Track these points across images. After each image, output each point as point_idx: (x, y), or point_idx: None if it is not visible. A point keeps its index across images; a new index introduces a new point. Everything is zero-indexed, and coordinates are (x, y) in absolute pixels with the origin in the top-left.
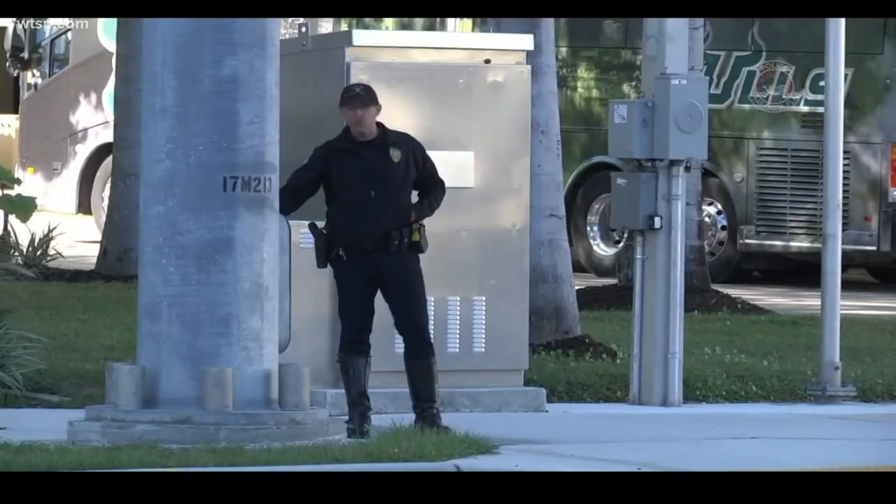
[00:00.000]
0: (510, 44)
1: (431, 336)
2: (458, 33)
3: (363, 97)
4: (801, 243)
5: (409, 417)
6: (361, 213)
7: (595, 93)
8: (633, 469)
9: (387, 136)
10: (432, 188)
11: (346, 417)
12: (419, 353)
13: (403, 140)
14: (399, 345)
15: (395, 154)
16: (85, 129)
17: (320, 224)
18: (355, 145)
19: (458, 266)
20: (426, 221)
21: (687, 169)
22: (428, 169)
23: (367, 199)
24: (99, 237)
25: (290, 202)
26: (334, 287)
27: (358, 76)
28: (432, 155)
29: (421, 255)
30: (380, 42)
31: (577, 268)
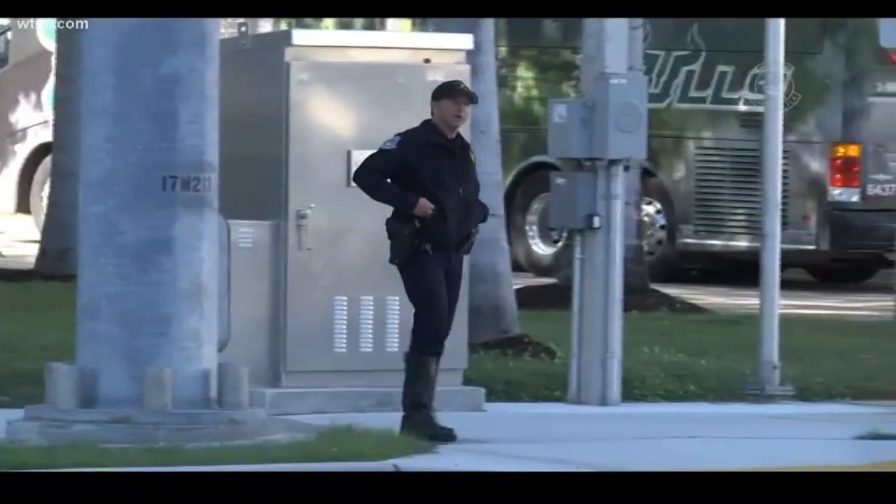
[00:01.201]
0: (450, 43)
1: (396, 336)
2: (398, 33)
3: (472, 94)
4: (739, 242)
5: (349, 416)
6: (453, 211)
7: (534, 92)
8: (572, 468)
9: (462, 138)
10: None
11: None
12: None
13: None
14: (339, 343)
15: (473, 157)
16: (24, 129)
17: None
18: (447, 142)
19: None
20: (371, 224)
21: (626, 168)
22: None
23: (457, 196)
24: (38, 236)
25: (389, 182)
26: (273, 287)
27: (298, 76)
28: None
29: (360, 255)
30: (320, 42)
31: (517, 267)
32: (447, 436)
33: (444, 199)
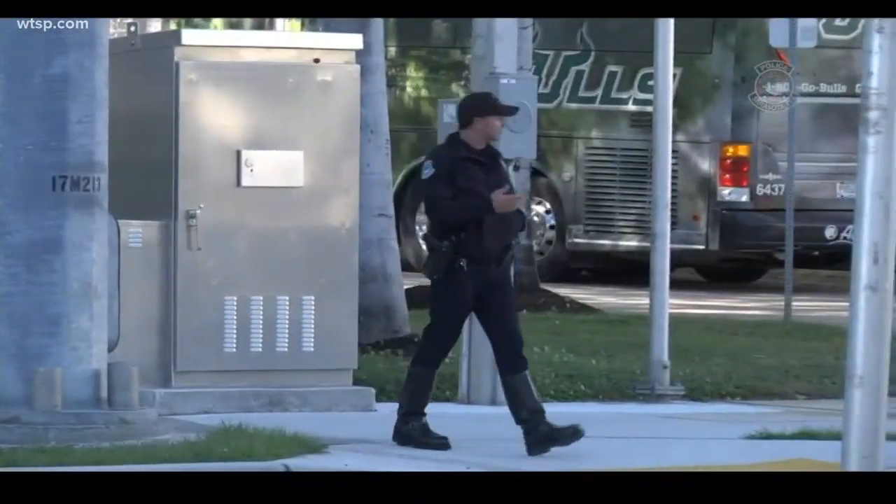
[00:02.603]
0: (339, 43)
1: (286, 336)
2: (288, 32)
3: (513, 107)
4: (629, 242)
5: (239, 416)
6: (491, 225)
7: (424, 92)
8: (463, 468)
9: (492, 147)
10: None
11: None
12: (519, 365)
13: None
14: (229, 344)
15: (505, 166)
16: None
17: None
18: (478, 155)
19: (287, 265)
20: (261, 224)
21: (516, 168)
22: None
23: (494, 211)
24: None
25: (458, 200)
26: (162, 287)
27: (187, 75)
28: (261, 154)
29: (250, 255)
30: (209, 41)
31: (407, 267)
32: (442, 445)
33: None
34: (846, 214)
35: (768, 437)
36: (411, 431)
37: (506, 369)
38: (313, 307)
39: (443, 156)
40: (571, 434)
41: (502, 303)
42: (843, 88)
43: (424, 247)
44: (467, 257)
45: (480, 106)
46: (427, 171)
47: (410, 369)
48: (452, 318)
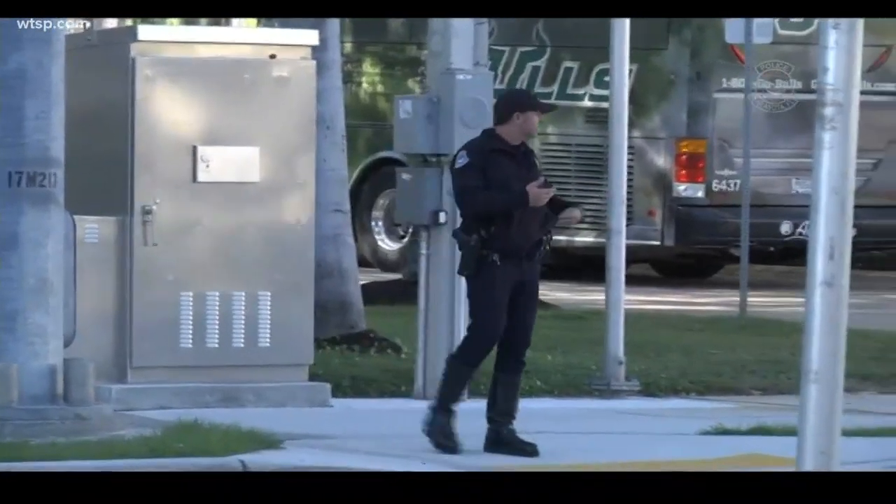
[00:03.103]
0: (295, 39)
1: (242, 332)
2: (244, 28)
3: (553, 107)
4: (585, 238)
5: (195, 412)
6: (522, 219)
7: (380, 88)
8: (419, 464)
9: (524, 143)
10: None
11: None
12: (517, 368)
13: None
14: (185, 339)
15: (536, 162)
16: None
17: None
18: (512, 148)
19: (243, 261)
20: (217, 219)
21: None
22: None
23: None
24: None
25: (491, 191)
26: (119, 282)
27: (143, 71)
28: (217, 150)
29: (206, 250)
30: (165, 37)
31: (363, 263)
32: (453, 449)
33: None
34: (802, 210)
35: (724, 432)
36: (439, 426)
37: (503, 368)
38: (269, 303)
39: (478, 147)
40: (525, 451)
41: (527, 304)
42: (798, 84)
43: (380, 243)
44: (498, 251)
45: (521, 102)
46: (461, 161)
47: (448, 363)
48: (491, 315)
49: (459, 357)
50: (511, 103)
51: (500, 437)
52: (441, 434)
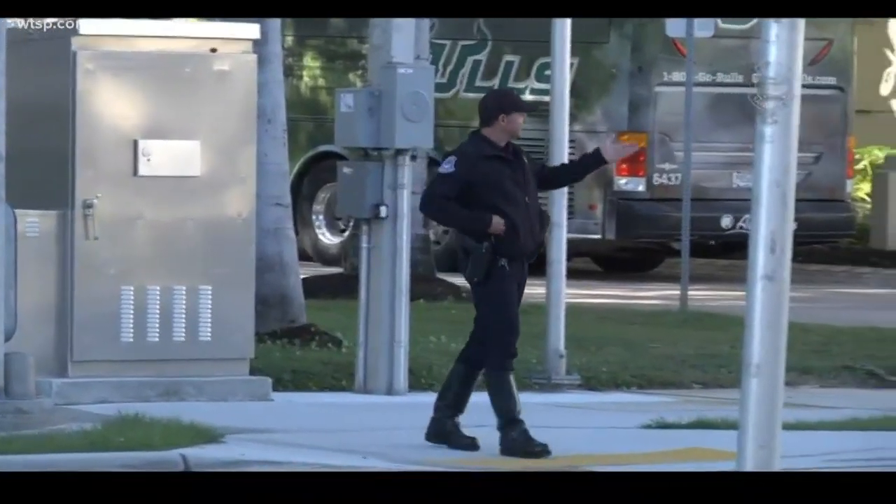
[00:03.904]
0: (236, 33)
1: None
2: (186, 22)
3: (534, 106)
4: None
5: (136, 406)
6: (524, 222)
7: (321, 82)
8: (360, 458)
9: (513, 144)
10: (548, 169)
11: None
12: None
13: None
14: (126, 333)
15: (527, 160)
16: None
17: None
18: (503, 152)
19: (184, 255)
20: (158, 214)
21: (413, 158)
22: (534, 166)
23: (524, 207)
24: None
25: (460, 207)
26: (60, 276)
27: (84, 65)
28: (158, 144)
29: (147, 244)
30: (107, 31)
31: (304, 256)
32: (542, 452)
33: (512, 211)
34: (743, 204)
35: (664, 426)
36: (514, 439)
37: (474, 364)
38: (210, 297)
39: (469, 154)
40: (466, 446)
41: (519, 302)
42: (739, 78)
43: (321, 236)
44: (506, 256)
45: (504, 104)
46: (446, 167)
47: (488, 379)
48: (506, 314)
49: (494, 368)
50: (495, 105)
51: (444, 430)
52: (523, 446)
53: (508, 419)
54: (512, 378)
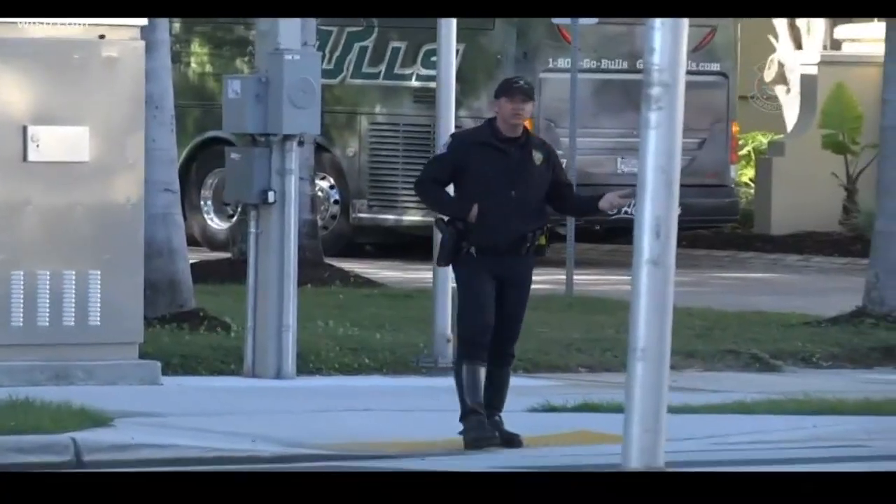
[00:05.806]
0: (124, 19)
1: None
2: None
3: (528, 91)
4: (412, 217)
5: (26, 390)
6: (501, 213)
7: (209, 68)
8: (248, 441)
9: (530, 137)
10: (568, 192)
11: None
12: (506, 361)
13: (542, 144)
14: (16, 318)
15: (538, 156)
16: None
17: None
18: (501, 141)
19: (73, 240)
20: (47, 199)
21: (300, 144)
22: (562, 175)
23: (507, 199)
24: None
25: (443, 191)
26: None
27: None
28: (47, 130)
29: (37, 230)
30: None
31: (192, 242)
32: (491, 439)
33: (489, 202)
34: (627, 189)
35: (551, 409)
36: (465, 431)
37: (490, 360)
38: (99, 282)
39: (463, 139)
40: (509, 442)
41: (514, 297)
42: (624, 65)
43: (209, 222)
44: (473, 245)
45: (497, 89)
46: (441, 149)
47: (454, 368)
48: (473, 305)
49: (457, 356)
50: (495, 94)
51: (496, 427)
52: (476, 433)
53: (465, 409)
54: (474, 368)
